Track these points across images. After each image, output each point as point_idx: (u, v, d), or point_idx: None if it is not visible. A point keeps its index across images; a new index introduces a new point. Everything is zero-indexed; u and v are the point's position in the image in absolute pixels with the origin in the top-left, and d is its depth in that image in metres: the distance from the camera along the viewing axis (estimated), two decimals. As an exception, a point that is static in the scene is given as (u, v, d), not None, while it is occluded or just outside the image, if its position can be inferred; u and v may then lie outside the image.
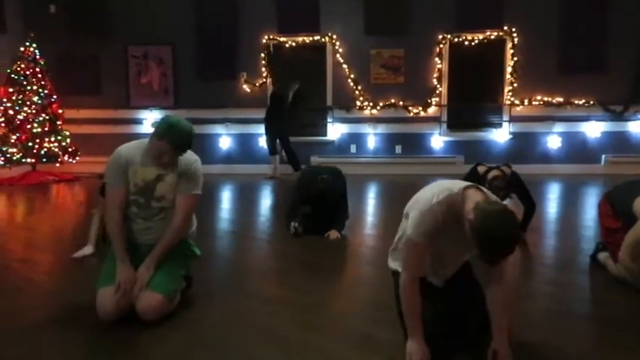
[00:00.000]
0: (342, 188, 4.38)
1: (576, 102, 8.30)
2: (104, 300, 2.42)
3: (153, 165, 2.54)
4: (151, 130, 8.89)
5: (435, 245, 2.05)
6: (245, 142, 8.83)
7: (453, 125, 8.65)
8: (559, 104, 8.33)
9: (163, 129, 2.46)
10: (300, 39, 8.56)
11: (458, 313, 2.15)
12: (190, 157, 2.64)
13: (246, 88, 8.64)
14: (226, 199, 6.69)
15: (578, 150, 8.37)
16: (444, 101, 8.55)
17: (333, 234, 4.22)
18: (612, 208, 3.17)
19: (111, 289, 2.44)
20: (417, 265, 2.06)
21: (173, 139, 2.44)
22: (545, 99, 8.34)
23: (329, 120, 8.71)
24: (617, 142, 8.24)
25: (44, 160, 7.91)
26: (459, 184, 2.06)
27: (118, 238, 2.54)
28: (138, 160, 2.57)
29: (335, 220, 4.30)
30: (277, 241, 4.26)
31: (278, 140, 8.03)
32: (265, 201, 6.47)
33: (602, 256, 3.27)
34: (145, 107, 8.75)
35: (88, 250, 3.67)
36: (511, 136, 8.47)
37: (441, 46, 8.41)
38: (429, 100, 8.49)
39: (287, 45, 8.59)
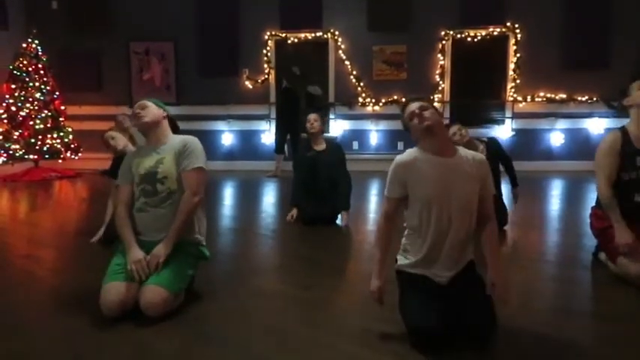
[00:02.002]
0: (338, 152, 4.64)
1: (579, 98, 8.28)
2: (108, 295, 2.43)
3: (149, 152, 2.70)
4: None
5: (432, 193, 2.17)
6: (247, 138, 8.84)
7: (456, 122, 8.62)
8: (562, 101, 8.32)
9: None
10: (302, 35, 8.55)
11: (459, 312, 2.15)
12: (185, 137, 2.75)
13: (248, 84, 8.64)
14: (228, 195, 6.70)
15: (581, 146, 8.35)
16: (447, 98, 8.54)
17: (344, 217, 4.51)
18: (602, 210, 3.19)
19: (116, 284, 2.45)
20: (389, 210, 2.29)
21: None
22: (548, 95, 8.33)
23: (331, 116, 8.70)
24: (620, 139, 8.20)
25: (46, 156, 7.94)
26: None
27: (126, 227, 2.63)
28: (137, 154, 2.76)
29: (339, 195, 4.51)
30: (279, 238, 4.27)
31: (289, 136, 7.99)
32: (267, 198, 6.48)
33: (603, 255, 3.27)
34: (147, 104, 8.74)
35: (101, 233, 3.91)
36: (514, 133, 8.46)
37: (444, 42, 8.39)
38: (432, 97, 8.47)
39: (289, 41, 8.58)
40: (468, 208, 2.19)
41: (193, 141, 2.72)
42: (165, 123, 2.78)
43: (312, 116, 4.63)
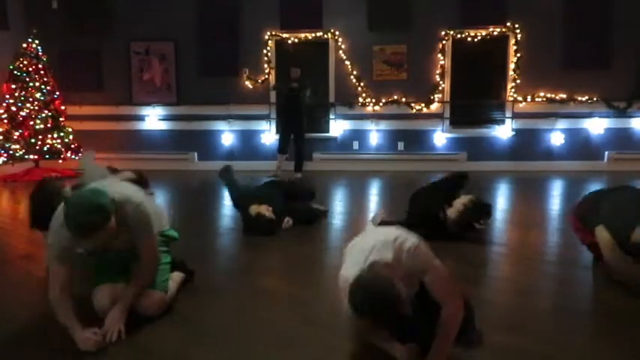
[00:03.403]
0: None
1: (579, 98, 8.27)
2: (100, 297, 2.45)
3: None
4: (152, 126, 8.77)
5: None
6: (247, 138, 8.84)
7: (456, 122, 8.63)
8: (562, 101, 8.30)
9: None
10: (302, 35, 8.54)
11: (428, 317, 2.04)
12: (129, 206, 2.33)
13: (248, 84, 8.64)
14: (227, 195, 6.68)
15: (581, 147, 8.34)
16: (447, 98, 8.53)
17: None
18: (583, 225, 3.15)
19: (106, 287, 2.49)
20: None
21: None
22: (548, 95, 8.32)
23: (331, 116, 8.70)
24: (621, 139, 8.21)
25: (47, 156, 7.93)
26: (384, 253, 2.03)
27: (64, 315, 2.27)
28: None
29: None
30: (278, 237, 4.27)
31: (292, 136, 7.97)
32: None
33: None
34: (148, 104, 8.76)
35: None
36: (514, 133, 8.45)
37: (444, 42, 8.38)
38: (432, 97, 8.47)
39: (289, 41, 8.58)
40: None
41: (139, 208, 2.35)
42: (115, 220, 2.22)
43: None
